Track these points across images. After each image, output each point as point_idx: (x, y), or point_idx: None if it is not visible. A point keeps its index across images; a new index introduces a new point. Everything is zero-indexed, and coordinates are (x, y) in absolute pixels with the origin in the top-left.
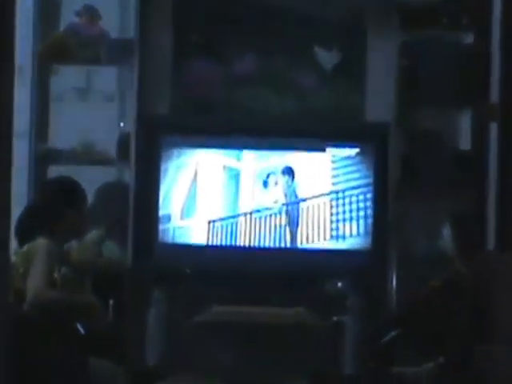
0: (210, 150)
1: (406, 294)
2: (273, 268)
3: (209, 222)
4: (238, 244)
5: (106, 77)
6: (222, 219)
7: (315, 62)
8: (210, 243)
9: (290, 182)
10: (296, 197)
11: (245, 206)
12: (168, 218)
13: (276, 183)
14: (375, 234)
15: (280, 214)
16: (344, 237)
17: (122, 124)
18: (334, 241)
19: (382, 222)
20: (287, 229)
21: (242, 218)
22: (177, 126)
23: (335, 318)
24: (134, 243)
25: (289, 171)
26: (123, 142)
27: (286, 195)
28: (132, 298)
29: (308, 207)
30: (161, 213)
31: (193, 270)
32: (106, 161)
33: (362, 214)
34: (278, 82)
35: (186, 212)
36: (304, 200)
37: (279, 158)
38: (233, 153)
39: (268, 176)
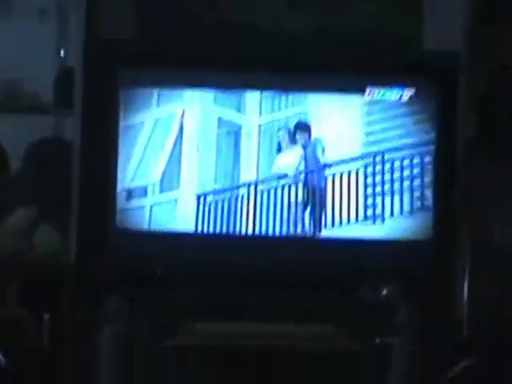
0: (196, 93)
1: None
2: (288, 267)
3: (198, 198)
4: (236, 230)
5: None
6: (214, 192)
7: None
8: (194, 229)
9: (307, 142)
10: (318, 162)
11: (247, 174)
12: (130, 194)
13: (290, 142)
14: (437, 217)
15: (296, 185)
16: (384, 219)
17: (62, 53)
18: (374, 225)
19: (446, 201)
20: (307, 207)
21: (242, 191)
22: (145, 56)
23: (379, 340)
24: (80, 229)
25: (304, 127)
26: (64, 81)
27: (304, 159)
28: (77, 311)
29: (335, 176)
30: (120, 186)
31: (167, 270)
32: (38, 107)
33: (416, 188)
34: None
35: (164, 185)
36: (330, 166)
37: (295, 106)
38: (230, 99)
39: (279, 132)
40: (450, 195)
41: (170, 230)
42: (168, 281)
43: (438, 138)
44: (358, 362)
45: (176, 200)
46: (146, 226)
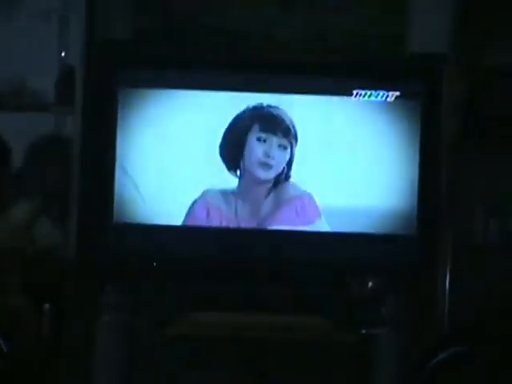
0: (188, 92)
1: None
2: (277, 258)
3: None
4: (228, 223)
5: None
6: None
7: None
8: (190, 223)
9: (293, 145)
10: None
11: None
12: (128, 188)
13: (275, 142)
14: (421, 212)
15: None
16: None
17: (63, 53)
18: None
19: (431, 196)
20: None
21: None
22: (142, 57)
23: (365, 331)
24: (80, 223)
25: (288, 131)
26: (65, 80)
27: (289, 158)
28: (76, 302)
29: (321, 168)
30: (118, 180)
31: (163, 262)
32: (40, 105)
33: (403, 184)
34: None
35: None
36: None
37: (285, 106)
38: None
39: (266, 131)
40: (435, 193)
41: (165, 224)
42: (164, 272)
43: (423, 136)
44: (346, 353)
45: (172, 193)
46: (132, 222)
